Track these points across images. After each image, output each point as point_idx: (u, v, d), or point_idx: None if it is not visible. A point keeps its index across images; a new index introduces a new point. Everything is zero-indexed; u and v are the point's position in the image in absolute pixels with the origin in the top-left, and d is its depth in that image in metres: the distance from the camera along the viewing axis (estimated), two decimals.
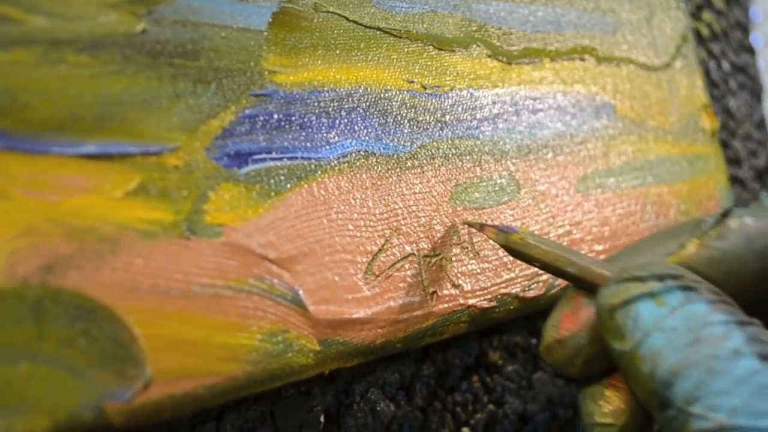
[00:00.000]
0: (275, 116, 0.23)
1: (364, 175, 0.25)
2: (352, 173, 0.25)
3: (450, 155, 0.28)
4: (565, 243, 0.32)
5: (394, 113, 0.27)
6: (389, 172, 0.26)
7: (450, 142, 0.28)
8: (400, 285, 0.26)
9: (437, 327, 0.27)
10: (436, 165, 0.28)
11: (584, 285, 0.23)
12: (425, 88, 0.28)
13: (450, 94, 0.29)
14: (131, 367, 0.19)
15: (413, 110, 0.27)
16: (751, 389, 0.17)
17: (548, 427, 0.34)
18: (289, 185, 0.23)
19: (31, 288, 0.18)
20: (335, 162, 0.25)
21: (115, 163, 0.20)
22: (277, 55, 0.24)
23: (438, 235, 0.27)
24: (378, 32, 0.27)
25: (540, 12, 0.34)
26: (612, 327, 0.20)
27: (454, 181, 0.28)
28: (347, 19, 0.26)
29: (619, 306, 0.20)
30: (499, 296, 0.29)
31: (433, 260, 0.27)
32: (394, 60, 0.27)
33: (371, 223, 0.25)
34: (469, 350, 0.31)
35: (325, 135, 0.25)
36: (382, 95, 0.27)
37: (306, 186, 0.24)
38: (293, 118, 0.24)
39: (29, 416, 0.17)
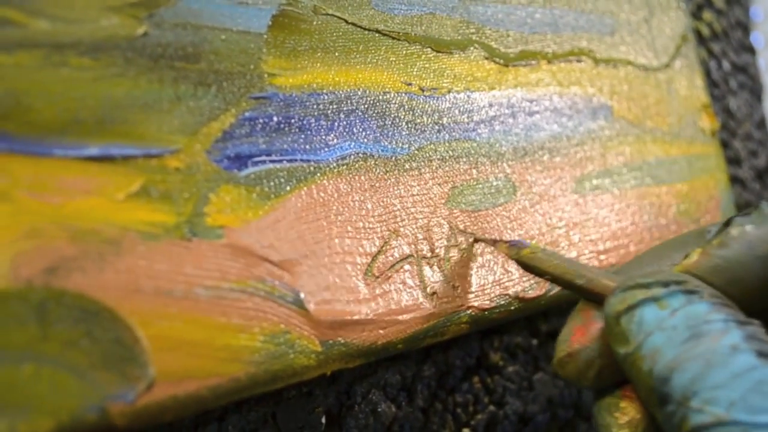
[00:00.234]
0: (275, 119, 0.24)
1: (362, 177, 0.25)
2: (350, 175, 0.25)
3: (447, 157, 0.28)
4: (562, 244, 0.32)
5: (393, 115, 0.27)
6: (387, 174, 0.26)
7: (447, 144, 0.28)
8: (400, 286, 0.26)
9: (438, 328, 0.27)
10: (434, 167, 0.28)
11: (593, 297, 0.23)
12: (423, 91, 0.28)
13: (447, 97, 0.29)
14: (134, 368, 0.19)
15: (411, 112, 0.28)
16: (748, 384, 0.18)
17: (548, 428, 0.34)
18: (288, 187, 0.23)
19: (34, 289, 0.18)
20: (334, 164, 0.25)
21: (118, 165, 0.20)
22: (276, 57, 0.24)
23: (436, 236, 0.27)
24: (376, 34, 0.27)
25: (537, 14, 0.34)
26: (618, 333, 0.21)
27: (451, 183, 0.28)
28: (346, 21, 0.26)
29: (624, 312, 0.21)
30: (499, 297, 0.29)
31: (432, 261, 0.27)
32: (393, 62, 0.27)
33: (370, 225, 0.25)
34: (469, 351, 0.31)
35: (324, 137, 0.25)
36: (380, 98, 0.27)
37: (305, 188, 0.24)
38: (292, 121, 0.24)
39: (32, 417, 0.18)
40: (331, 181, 0.25)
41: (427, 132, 0.28)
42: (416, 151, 0.27)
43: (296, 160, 0.24)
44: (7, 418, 0.17)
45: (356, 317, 0.24)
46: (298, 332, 0.23)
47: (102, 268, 0.19)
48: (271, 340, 0.22)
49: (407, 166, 0.27)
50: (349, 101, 0.26)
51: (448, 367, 0.30)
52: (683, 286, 0.21)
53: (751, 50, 0.57)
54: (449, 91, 0.29)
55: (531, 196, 0.31)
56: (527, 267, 0.26)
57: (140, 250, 0.20)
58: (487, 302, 0.28)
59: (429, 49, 0.29)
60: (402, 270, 0.26)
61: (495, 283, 0.29)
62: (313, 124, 0.25)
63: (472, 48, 0.30)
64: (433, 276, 0.27)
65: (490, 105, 0.30)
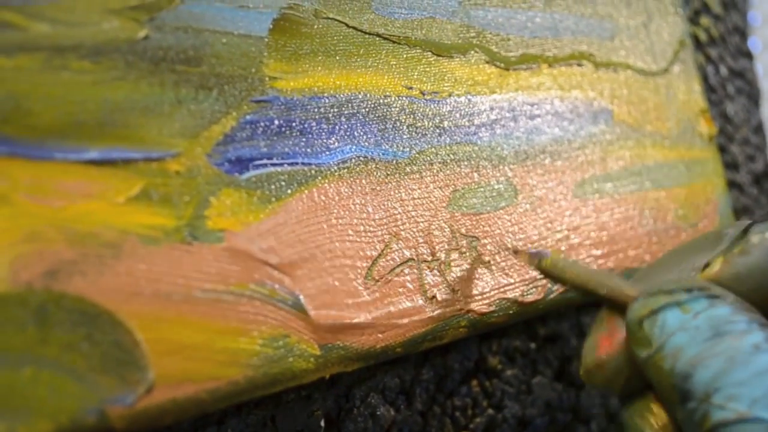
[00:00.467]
0: (276, 122, 0.24)
1: (363, 181, 0.25)
2: (351, 179, 0.25)
3: (448, 161, 0.28)
4: (563, 248, 0.32)
5: (393, 119, 0.27)
6: (388, 177, 0.26)
7: (448, 147, 0.28)
8: (400, 290, 0.26)
9: (437, 331, 0.27)
10: (435, 170, 0.28)
11: (616, 305, 0.23)
12: (424, 94, 0.28)
13: (448, 100, 0.29)
14: (133, 371, 0.19)
15: (412, 116, 0.28)
16: None
17: (547, 431, 0.34)
18: (289, 191, 0.23)
19: (34, 293, 0.18)
20: (335, 167, 0.25)
21: (118, 168, 0.20)
22: (277, 61, 0.24)
23: (436, 240, 0.27)
24: (377, 38, 0.27)
25: (538, 18, 0.34)
26: (640, 337, 0.21)
27: (452, 186, 0.28)
28: (347, 25, 0.26)
29: (647, 316, 0.21)
30: (498, 301, 0.29)
31: (433, 265, 0.27)
32: (393, 66, 0.27)
33: (371, 229, 0.25)
34: (468, 355, 0.31)
35: (325, 141, 0.25)
36: (381, 101, 0.27)
37: (306, 191, 0.24)
38: (294, 124, 0.24)
39: (32, 420, 0.18)
40: (332, 185, 0.25)
41: (428, 135, 0.28)
42: (417, 155, 0.27)
43: (297, 164, 0.24)
44: (6, 421, 0.17)
45: (355, 321, 0.24)
46: (298, 336, 0.23)
47: (102, 271, 0.19)
48: (271, 344, 0.22)
49: (408, 170, 0.27)
50: (350, 105, 0.26)
51: (447, 370, 0.30)
52: (706, 291, 0.21)
53: (748, 55, 0.57)
54: (450, 95, 0.29)
55: (532, 200, 0.31)
56: (549, 275, 0.26)
57: (140, 254, 0.20)
58: (486, 306, 0.28)
59: (430, 53, 0.29)
60: (402, 274, 0.26)
61: (494, 287, 0.29)
62: (314, 128, 0.25)
63: (472, 52, 0.30)
64: (433, 280, 0.27)
65: (491, 108, 0.31)
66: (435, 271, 0.27)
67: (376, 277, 0.25)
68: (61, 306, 0.18)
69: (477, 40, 0.31)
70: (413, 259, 0.26)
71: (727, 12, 0.55)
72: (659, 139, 0.38)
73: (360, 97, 0.26)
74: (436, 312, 0.27)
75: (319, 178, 0.24)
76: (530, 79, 0.33)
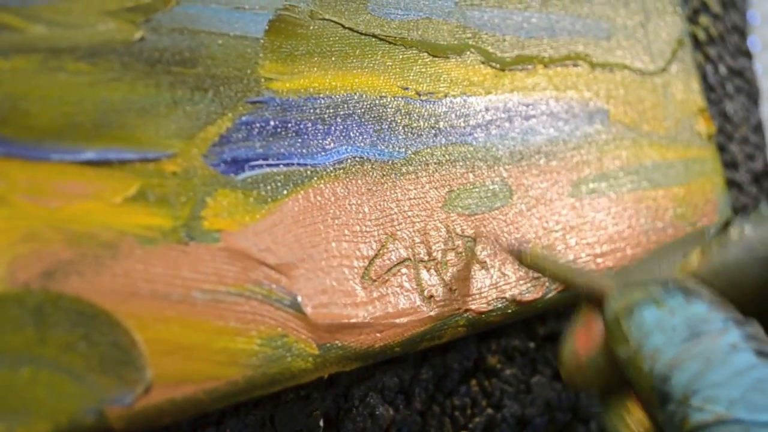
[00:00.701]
0: (271, 123, 0.24)
1: (359, 181, 0.26)
2: (347, 179, 0.25)
3: (444, 161, 0.28)
4: (559, 248, 0.32)
5: (389, 120, 0.27)
6: (384, 178, 0.26)
7: (444, 148, 0.28)
8: (398, 289, 0.26)
9: (435, 331, 0.27)
10: (430, 171, 0.28)
11: (593, 297, 0.23)
12: (419, 95, 0.28)
13: (444, 101, 0.29)
14: (132, 371, 0.19)
15: (408, 117, 0.28)
16: (748, 383, 0.18)
17: (546, 431, 0.34)
18: (285, 191, 0.24)
19: (32, 293, 0.18)
20: (331, 168, 0.25)
21: (114, 169, 0.20)
22: (273, 62, 0.24)
23: (433, 240, 0.27)
24: (373, 39, 0.27)
25: (534, 18, 0.34)
26: (618, 334, 0.21)
27: (448, 187, 0.28)
28: (343, 26, 0.26)
29: (624, 313, 0.21)
30: (496, 300, 0.29)
31: (429, 265, 0.27)
32: (389, 67, 0.28)
33: (367, 229, 0.25)
34: (467, 354, 0.31)
35: (320, 141, 0.25)
36: (377, 102, 0.27)
37: (302, 192, 0.24)
38: (289, 125, 0.24)
39: (30, 421, 0.18)
40: (328, 185, 0.25)
41: (424, 136, 0.28)
42: (413, 155, 0.27)
43: (293, 164, 0.24)
44: (5, 422, 0.17)
45: (353, 320, 0.24)
46: (296, 335, 0.23)
47: (99, 271, 0.19)
48: (269, 344, 0.22)
49: (404, 170, 0.27)
50: (345, 105, 0.26)
51: (446, 370, 0.30)
52: (681, 286, 0.21)
53: (747, 54, 0.57)
54: (446, 96, 0.29)
55: (527, 200, 0.31)
56: (528, 266, 0.27)
57: (137, 254, 0.20)
58: (485, 305, 0.28)
59: (425, 54, 0.29)
60: (399, 273, 0.26)
61: (492, 286, 0.29)
62: (309, 129, 0.25)
63: (468, 52, 0.31)
64: (430, 279, 0.27)
65: (487, 109, 0.31)
66: (432, 271, 0.27)
67: (374, 277, 0.25)
68: (59, 306, 0.19)
69: (473, 40, 0.31)
70: (410, 259, 0.26)
71: (726, 11, 0.55)
72: (657, 138, 0.39)
73: (356, 97, 0.26)
74: (434, 311, 0.27)
75: (315, 178, 0.24)
76: (526, 80, 0.33)
